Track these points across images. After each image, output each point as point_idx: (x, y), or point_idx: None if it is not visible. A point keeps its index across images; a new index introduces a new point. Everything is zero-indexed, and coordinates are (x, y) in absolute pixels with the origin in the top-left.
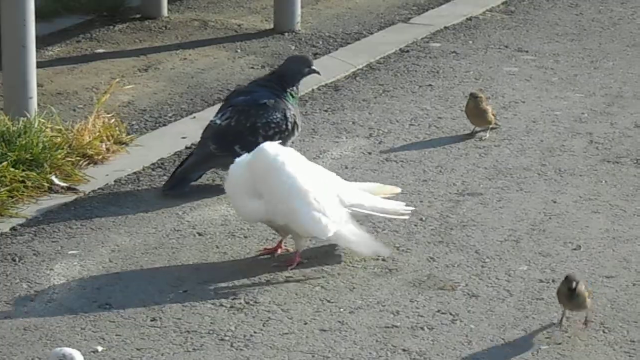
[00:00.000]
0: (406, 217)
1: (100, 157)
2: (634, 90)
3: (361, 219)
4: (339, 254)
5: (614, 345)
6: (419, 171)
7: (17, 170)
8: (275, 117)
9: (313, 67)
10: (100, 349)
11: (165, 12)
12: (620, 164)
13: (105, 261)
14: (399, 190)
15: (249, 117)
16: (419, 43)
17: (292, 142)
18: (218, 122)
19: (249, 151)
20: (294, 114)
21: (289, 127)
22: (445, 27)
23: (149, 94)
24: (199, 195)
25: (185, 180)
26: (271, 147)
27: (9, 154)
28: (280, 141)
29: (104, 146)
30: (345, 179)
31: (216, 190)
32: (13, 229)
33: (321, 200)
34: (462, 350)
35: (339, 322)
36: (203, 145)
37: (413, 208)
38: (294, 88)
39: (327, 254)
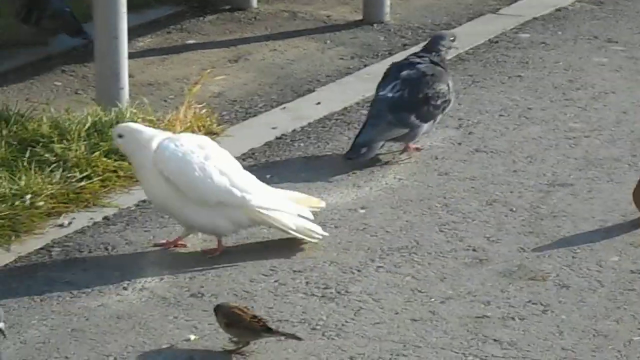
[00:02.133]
0: (313, 240)
1: None
2: None
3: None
4: (428, 245)
5: None
6: (508, 162)
7: (109, 160)
8: (442, 87)
9: (455, 44)
10: (192, 337)
11: (254, 3)
12: None
13: (197, 250)
14: (323, 204)
15: (421, 88)
16: (508, 34)
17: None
18: (389, 94)
19: (422, 120)
20: (453, 85)
21: (452, 96)
22: (534, 18)
23: (239, 84)
24: (288, 186)
25: (371, 148)
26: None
27: (101, 143)
28: (444, 110)
29: None
30: (435, 170)
31: (305, 180)
32: (106, 218)
33: (228, 171)
34: (553, 341)
35: (430, 312)
36: (378, 117)
37: (327, 234)
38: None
39: (418, 244)
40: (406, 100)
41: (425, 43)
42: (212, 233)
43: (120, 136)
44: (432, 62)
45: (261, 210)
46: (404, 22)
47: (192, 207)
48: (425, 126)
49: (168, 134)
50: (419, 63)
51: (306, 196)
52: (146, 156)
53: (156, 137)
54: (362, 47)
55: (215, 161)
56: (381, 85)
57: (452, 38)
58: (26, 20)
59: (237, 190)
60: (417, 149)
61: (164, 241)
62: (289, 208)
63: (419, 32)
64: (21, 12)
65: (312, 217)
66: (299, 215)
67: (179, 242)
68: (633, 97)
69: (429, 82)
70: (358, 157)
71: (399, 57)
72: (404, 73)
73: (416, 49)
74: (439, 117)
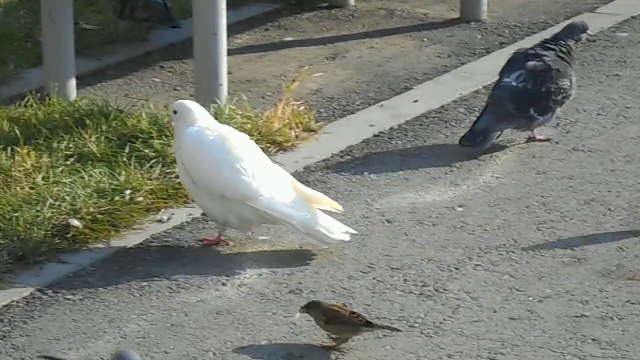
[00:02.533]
0: (324, 246)
1: (289, 144)
2: None
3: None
4: (525, 243)
5: None
6: (606, 161)
7: None
8: (564, 83)
9: (588, 32)
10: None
11: (352, 1)
12: None
13: (295, 247)
14: (340, 208)
15: (545, 82)
16: (606, 32)
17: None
18: (514, 83)
19: (541, 114)
20: (576, 79)
21: (573, 92)
22: (632, 17)
23: (336, 82)
24: (386, 183)
25: (488, 137)
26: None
27: None
28: (562, 104)
29: (293, 133)
30: (532, 168)
31: (403, 178)
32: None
33: (249, 168)
34: None
35: (528, 310)
36: (499, 104)
37: (346, 239)
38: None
39: (515, 243)
40: (529, 92)
41: (557, 31)
42: (224, 224)
43: (174, 112)
44: (558, 55)
45: (266, 211)
46: (501, 21)
47: (203, 195)
48: (542, 119)
49: (210, 122)
50: (545, 55)
51: (327, 199)
52: (180, 138)
53: (198, 122)
54: (459, 45)
55: (233, 156)
56: (506, 72)
57: (585, 30)
58: (122, 14)
59: (241, 186)
60: (542, 140)
61: (211, 239)
62: (297, 211)
63: (516, 31)
64: (117, 7)
65: (326, 220)
66: (312, 218)
67: (221, 239)
68: None
69: (554, 77)
70: (474, 146)
71: (496, 55)
72: (531, 64)
73: (513, 47)
74: (558, 111)
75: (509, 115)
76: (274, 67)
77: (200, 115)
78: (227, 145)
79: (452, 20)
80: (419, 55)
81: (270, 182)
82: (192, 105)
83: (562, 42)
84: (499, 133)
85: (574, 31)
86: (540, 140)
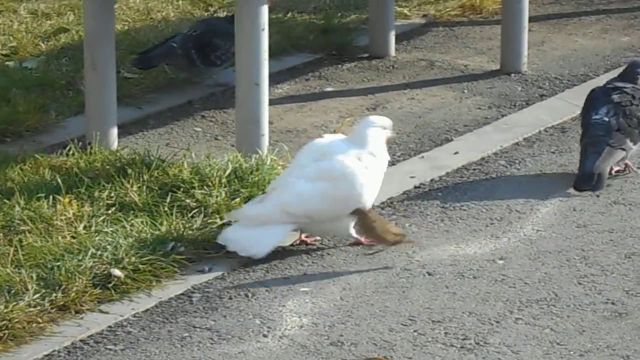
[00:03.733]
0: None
1: None
2: None
3: None
4: (566, 297)
5: None
6: None
7: None
8: None
9: None
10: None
11: (392, 51)
12: None
13: (336, 299)
14: None
15: (632, 112)
16: None
17: None
18: (606, 119)
19: (634, 143)
20: None
21: None
22: None
23: None
24: (427, 235)
25: (601, 176)
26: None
27: (241, 190)
28: None
29: None
30: (573, 222)
31: (443, 230)
32: (245, 265)
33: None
34: None
35: None
36: (599, 143)
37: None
38: None
39: (556, 296)
40: (623, 124)
41: (621, 71)
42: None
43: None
44: (635, 87)
45: None
46: (541, 73)
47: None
48: (635, 148)
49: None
50: (624, 87)
51: None
52: None
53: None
54: (500, 96)
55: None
56: (592, 110)
57: None
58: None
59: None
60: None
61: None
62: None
63: (556, 83)
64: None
65: None
66: None
67: (364, 241)
68: None
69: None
70: (593, 188)
71: (536, 107)
72: (615, 97)
73: (553, 99)
74: None
75: (612, 150)
76: (315, 117)
77: (363, 129)
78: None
79: (492, 72)
80: (459, 107)
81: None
82: (374, 119)
83: (632, 78)
84: (608, 169)
85: (638, 68)
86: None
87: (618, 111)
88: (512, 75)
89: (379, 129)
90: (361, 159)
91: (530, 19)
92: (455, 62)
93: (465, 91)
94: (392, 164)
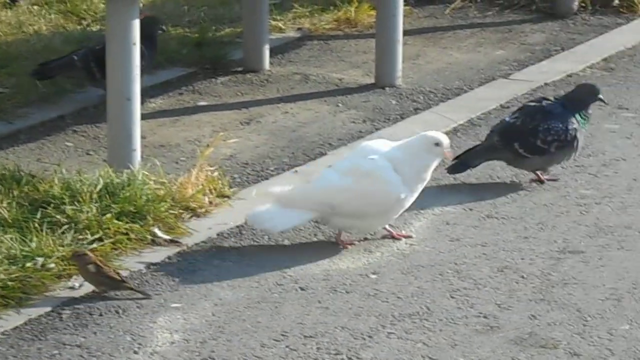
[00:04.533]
0: None
1: (203, 210)
2: None
3: None
4: (439, 311)
5: None
6: (520, 228)
7: (120, 223)
8: (556, 125)
9: (600, 96)
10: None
11: (267, 65)
12: None
13: (208, 315)
14: None
15: (534, 120)
16: (519, 99)
17: (574, 158)
18: (507, 119)
19: (526, 150)
20: (575, 129)
21: (569, 138)
22: (545, 84)
23: (250, 147)
24: (301, 250)
25: (466, 164)
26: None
27: (112, 206)
28: (559, 150)
29: (206, 199)
30: (446, 235)
31: (318, 245)
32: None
33: None
34: None
35: None
36: (489, 137)
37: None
38: (583, 112)
39: (429, 310)
40: (516, 128)
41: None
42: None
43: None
44: (562, 104)
45: None
46: (416, 86)
47: None
48: (531, 157)
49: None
50: (548, 101)
51: None
52: None
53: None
54: (374, 110)
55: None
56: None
57: (595, 94)
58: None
59: None
60: (550, 179)
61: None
62: None
63: (430, 97)
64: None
65: None
66: None
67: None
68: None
69: (544, 117)
70: (454, 172)
71: (411, 121)
72: (529, 104)
73: (427, 113)
74: (556, 157)
75: (493, 147)
76: (188, 132)
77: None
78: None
79: (367, 86)
80: (333, 121)
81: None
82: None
83: (568, 100)
84: (481, 162)
85: (583, 93)
86: (548, 180)
87: (521, 116)
88: (387, 89)
89: (430, 144)
90: (395, 163)
91: (405, 33)
92: (330, 75)
93: (340, 105)
94: (265, 178)
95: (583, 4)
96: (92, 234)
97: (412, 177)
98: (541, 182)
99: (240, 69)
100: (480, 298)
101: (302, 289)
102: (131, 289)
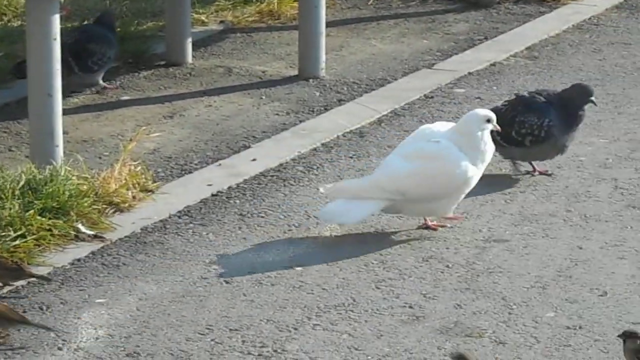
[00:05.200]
0: None
1: (126, 205)
2: None
3: None
4: (364, 302)
5: None
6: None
7: (43, 219)
8: (532, 119)
9: (592, 99)
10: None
11: (189, 59)
12: None
13: (132, 310)
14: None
15: (514, 111)
16: (443, 89)
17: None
18: (499, 105)
19: (502, 138)
20: (551, 125)
21: (542, 134)
22: (469, 73)
23: (174, 141)
24: (226, 243)
25: None
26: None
27: (35, 202)
28: (535, 145)
29: (130, 194)
30: (371, 226)
31: (241, 237)
32: (40, 278)
33: None
34: None
35: None
36: None
37: None
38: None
39: (354, 302)
40: (500, 115)
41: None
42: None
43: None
44: (549, 99)
45: None
46: (340, 78)
47: None
48: (513, 149)
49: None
50: (540, 95)
51: None
52: None
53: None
54: (298, 102)
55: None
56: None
57: (589, 96)
58: None
59: None
60: (542, 172)
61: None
62: None
63: (354, 88)
64: None
65: None
66: None
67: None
68: (567, 153)
69: (525, 110)
70: None
71: (335, 112)
72: (521, 94)
73: (351, 104)
74: (533, 151)
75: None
76: (111, 127)
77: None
78: None
79: (290, 78)
80: (257, 113)
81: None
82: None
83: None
84: None
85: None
86: (541, 174)
87: (509, 105)
88: (311, 80)
89: (481, 121)
90: (459, 144)
91: (328, 24)
92: (253, 68)
93: (264, 97)
94: (189, 172)
95: None
96: (15, 231)
97: (475, 155)
98: (535, 173)
99: (163, 62)
100: (405, 288)
101: (227, 282)
102: (32, 275)
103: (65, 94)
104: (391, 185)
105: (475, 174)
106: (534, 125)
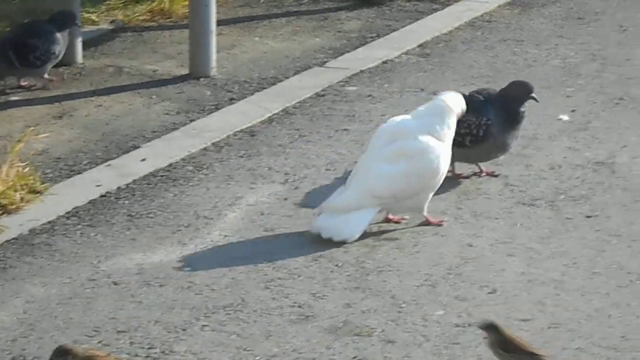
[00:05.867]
0: None
1: (14, 206)
2: (549, 132)
3: None
4: (253, 302)
5: None
6: None
7: None
8: (470, 119)
9: (533, 95)
10: None
11: (79, 58)
12: (535, 207)
13: (19, 312)
14: None
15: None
16: (335, 87)
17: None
18: None
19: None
20: (490, 123)
21: (481, 133)
22: (361, 71)
23: (63, 141)
24: (114, 244)
25: None
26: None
27: None
28: (475, 145)
29: (18, 195)
30: (260, 226)
31: (130, 238)
32: None
33: None
34: None
35: None
36: None
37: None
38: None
39: (243, 302)
40: None
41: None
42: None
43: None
44: (488, 98)
45: None
46: (231, 76)
47: None
48: (456, 150)
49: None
50: (479, 94)
51: None
52: None
53: None
54: (188, 101)
55: None
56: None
57: (528, 92)
58: None
59: None
60: (489, 174)
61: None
62: None
63: (245, 86)
64: None
65: None
66: None
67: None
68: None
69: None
70: None
71: (225, 111)
72: (469, 94)
73: (243, 103)
74: (474, 152)
75: None
76: None
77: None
78: None
79: (181, 77)
80: (147, 113)
81: None
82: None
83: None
84: None
85: (515, 92)
86: (487, 174)
87: None
88: (202, 79)
89: (447, 105)
90: (432, 133)
91: (220, 23)
92: (144, 67)
93: (154, 97)
94: (78, 172)
95: None
96: None
97: (447, 139)
98: (482, 175)
99: None
100: (294, 288)
101: (115, 283)
102: None
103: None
104: (386, 192)
105: (449, 155)
106: (472, 125)
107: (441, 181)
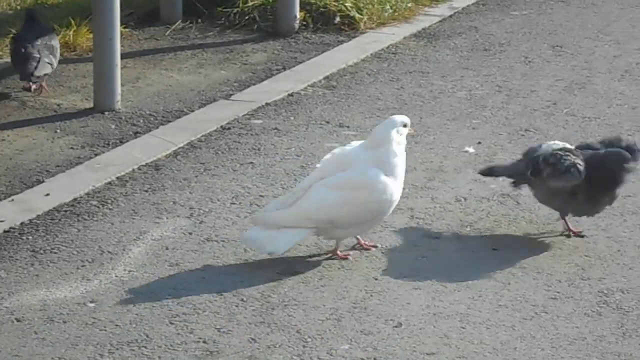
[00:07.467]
0: None
1: None
2: (455, 165)
3: None
4: (158, 338)
5: None
6: (240, 251)
7: None
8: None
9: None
10: None
11: None
12: (440, 239)
13: None
14: None
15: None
16: (241, 120)
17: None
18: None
19: None
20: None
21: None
22: (266, 104)
23: None
24: (17, 280)
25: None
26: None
27: None
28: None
29: None
30: (165, 261)
31: (33, 274)
32: None
33: None
34: None
35: None
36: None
37: None
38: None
39: (148, 338)
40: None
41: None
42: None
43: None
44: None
45: None
46: (136, 110)
47: None
48: None
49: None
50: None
51: None
52: None
53: None
54: (93, 135)
55: None
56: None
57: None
58: None
59: None
60: None
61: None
62: None
63: (150, 120)
64: None
65: None
66: None
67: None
68: None
69: None
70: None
71: (130, 145)
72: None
73: (147, 136)
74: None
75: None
76: None
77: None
78: None
79: (86, 111)
80: (51, 147)
81: None
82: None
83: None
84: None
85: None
86: None
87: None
88: (106, 113)
89: (397, 129)
90: (380, 164)
91: (125, 55)
92: (48, 101)
93: (58, 131)
94: None
95: (304, 23)
96: None
97: (397, 168)
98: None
99: None
100: (199, 323)
101: (17, 320)
102: None
103: None
104: (321, 215)
105: (399, 190)
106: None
107: (388, 212)
